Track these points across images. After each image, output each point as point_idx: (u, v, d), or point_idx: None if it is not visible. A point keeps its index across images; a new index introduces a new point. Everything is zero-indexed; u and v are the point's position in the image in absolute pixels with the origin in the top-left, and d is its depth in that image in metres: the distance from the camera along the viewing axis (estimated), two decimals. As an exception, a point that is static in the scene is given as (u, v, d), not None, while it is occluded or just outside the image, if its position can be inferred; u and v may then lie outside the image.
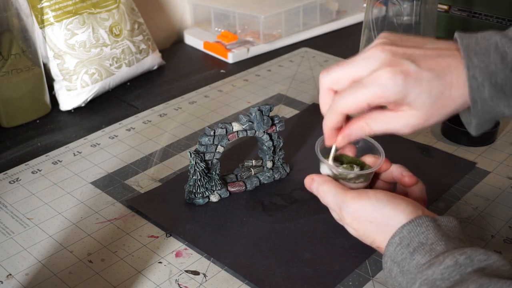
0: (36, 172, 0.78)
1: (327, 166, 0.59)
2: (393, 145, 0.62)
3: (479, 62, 0.49)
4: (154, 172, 0.77)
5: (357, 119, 0.54)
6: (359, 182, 0.59)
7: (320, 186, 0.58)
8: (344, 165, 0.60)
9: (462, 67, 0.50)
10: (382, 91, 0.50)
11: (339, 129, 0.56)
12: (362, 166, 0.61)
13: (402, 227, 0.51)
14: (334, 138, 0.56)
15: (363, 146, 0.62)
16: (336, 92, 0.54)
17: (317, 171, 0.61)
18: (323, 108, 0.56)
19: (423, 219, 0.50)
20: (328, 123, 0.55)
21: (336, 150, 0.60)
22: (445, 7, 1.12)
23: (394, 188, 0.63)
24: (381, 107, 0.53)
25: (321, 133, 0.58)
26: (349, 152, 0.62)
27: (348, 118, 0.56)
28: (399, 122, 0.52)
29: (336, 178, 0.59)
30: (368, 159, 0.61)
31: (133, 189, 0.73)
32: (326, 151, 0.60)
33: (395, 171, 0.61)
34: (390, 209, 0.53)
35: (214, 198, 0.70)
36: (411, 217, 0.51)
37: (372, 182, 0.61)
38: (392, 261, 0.50)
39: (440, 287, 0.45)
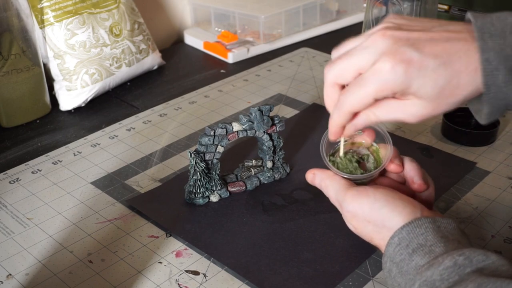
0: (36, 172, 0.78)
1: (331, 169, 0.58)
2: (393, 145, 0.62)
3: (494, 44, 0.45)
4: (154, 172, 0.77)
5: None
6: (364, 179, 0.59)
7: (322, 181, 0.58)
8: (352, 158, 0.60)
9: (473, 52, 0.46)
10: (383, 84, 0.47)
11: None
12: (369, 157, 0.60)
13: (401, 228, 0.50)
14: (340, 134, 0.55)
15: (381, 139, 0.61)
16: (341, 86, 0.53)
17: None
18: (329, 104, 0.54)
19: (423, 220, 0.50)
20: (336, 122, 0.53)
21: (345, 141, 0.59)
22: (445, 7, 1.12)
23: (403, 182, 0.61)
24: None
25: (321, 132, 0.58)
26: (368, 138, 0.60)
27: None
28: (404, 110, 0.49)
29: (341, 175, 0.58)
30: (383, 150, 0.60)
31: (133, 189, 0.73)
32: (332, 145, 0.60)
33: (408, 174, 0.59)
34: (387, 210, 0.52)
35: (214, 198, 0.70)
36: (408, 219, 0.51)
37: (381, 174, 0.61)
38: (391, 261, 0.50)
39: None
